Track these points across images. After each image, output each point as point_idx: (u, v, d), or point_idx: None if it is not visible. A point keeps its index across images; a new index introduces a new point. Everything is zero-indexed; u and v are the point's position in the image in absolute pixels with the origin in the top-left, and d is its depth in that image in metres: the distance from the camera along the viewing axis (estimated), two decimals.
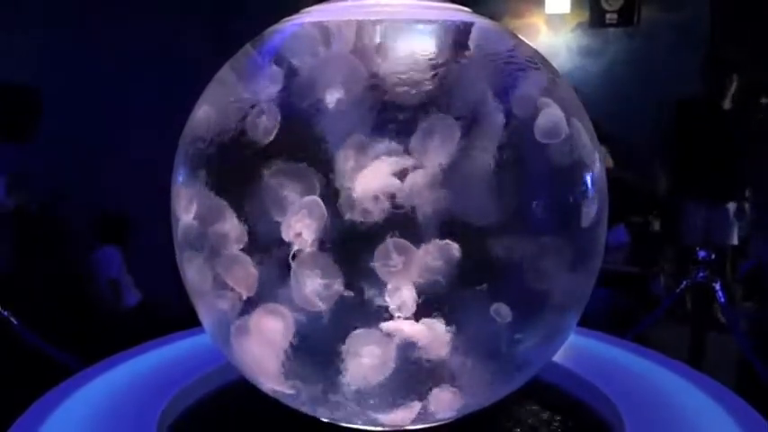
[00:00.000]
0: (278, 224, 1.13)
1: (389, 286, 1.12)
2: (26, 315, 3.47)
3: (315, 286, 1.12)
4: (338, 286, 1.12)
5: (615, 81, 8.50)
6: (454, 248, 1.10)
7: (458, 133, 1.11)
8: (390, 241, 1.09)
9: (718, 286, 3.04)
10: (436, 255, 1.11)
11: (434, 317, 1.13)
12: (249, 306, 1.19)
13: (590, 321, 1.77)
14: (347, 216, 1.09)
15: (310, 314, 1.14)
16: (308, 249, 1.11)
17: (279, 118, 1.14)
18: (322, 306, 1.13)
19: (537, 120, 1.17)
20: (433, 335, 1.14)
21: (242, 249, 1.17)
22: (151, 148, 3.01)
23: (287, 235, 1.12)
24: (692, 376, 1.77)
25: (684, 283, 3.15)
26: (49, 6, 4.79)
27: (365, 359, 1.14)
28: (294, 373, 1.21)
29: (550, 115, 1.19)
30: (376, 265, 1.10)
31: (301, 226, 1.11)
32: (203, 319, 1.35)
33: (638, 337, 2.65)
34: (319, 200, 1.10)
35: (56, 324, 3.61)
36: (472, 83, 1.16)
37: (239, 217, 1.17)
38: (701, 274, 3.06)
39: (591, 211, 1.25)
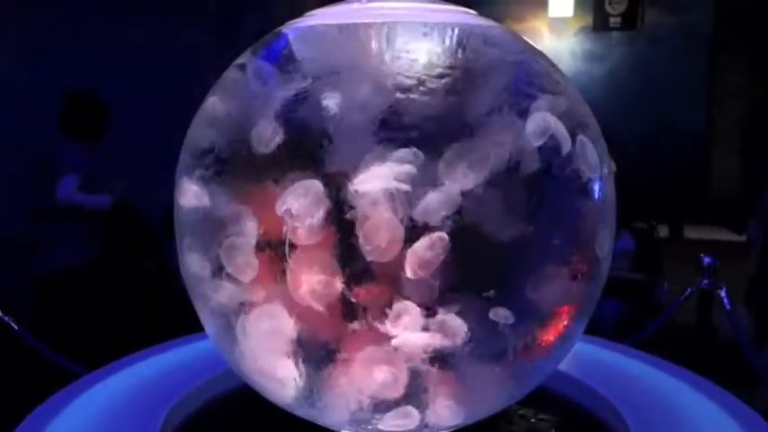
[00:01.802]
0: (278, 222, 1.11)
1: (393, 304, 1.09)
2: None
3: (312, 284, 1.10)
4: (338, 284, 1.09)
5: (619, 84, 8.52)
6: (448, 245, 1.07)
7: (467, 142, 1.09)
8: (382, 219, 1.06)
9: (723, 293, 3.01)
10: (430, 248, 1.07)
11: (440, 325, 1.11)
12: (248, 306, 1.18)
13: (598, 330, 1.77)
14: (348, 215, 1.07)
15: (309, 315, 1.12)
16: (302, 231, 1.08)
17: (283, 123, 1.13)
18: (319, 306, 1.11)
19: (527, 120, 1.14)
20: (441, 344, 1.12)
21: (243, 243, 1.15)
22: (155, 147, 3.05)
23: (280, 209, 1.10)
24: (696, 381, 1.77)
25: (689, 289, 3.13)
26: (50, 8, 4.80)
27: (377, 375, 1.13)
28: (293, 376, 1.19)
29: (541, 115, 1.16)
30: (365, 247, 1.07)
31: (295, 203, 1.08)
32: (203, 318, 1.33)
33: (641, 344, 2.63)
34: (318, 182, 1.08)
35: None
36: (483, 89, 1.14)
37: (241, 213, 1.15)
38: (706, 281, 3.04)
39: (599, 224, 1.24)
